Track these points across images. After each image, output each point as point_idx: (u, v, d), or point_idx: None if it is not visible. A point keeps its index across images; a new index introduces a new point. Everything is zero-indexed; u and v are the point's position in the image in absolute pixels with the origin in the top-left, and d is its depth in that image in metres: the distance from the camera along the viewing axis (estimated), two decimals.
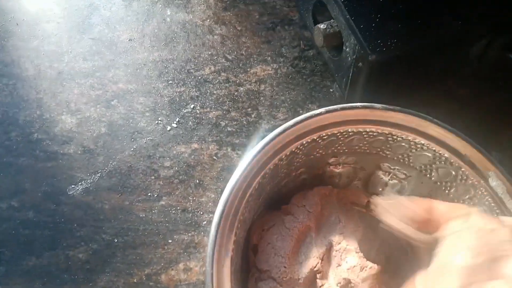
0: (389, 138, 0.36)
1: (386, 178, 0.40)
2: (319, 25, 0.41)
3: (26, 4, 0.48)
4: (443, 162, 0.35)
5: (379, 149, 0.38)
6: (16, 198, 0.39)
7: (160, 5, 0.49)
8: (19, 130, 0.42)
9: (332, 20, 0.40)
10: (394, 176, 0.40)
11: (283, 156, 0.35)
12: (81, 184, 0.40)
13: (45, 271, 0.37)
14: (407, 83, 0.42)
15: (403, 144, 0.36)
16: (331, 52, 0.44)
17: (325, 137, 0.36)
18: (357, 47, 0.37)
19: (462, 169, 0.34)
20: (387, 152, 0.38)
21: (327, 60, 0.45)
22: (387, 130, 0.36)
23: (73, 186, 0.40)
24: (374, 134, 0.36)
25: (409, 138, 0.35)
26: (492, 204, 0.33)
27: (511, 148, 0.45)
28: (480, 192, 0.34)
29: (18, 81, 0.44)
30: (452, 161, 0.34)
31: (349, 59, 0.40)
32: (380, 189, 0.41)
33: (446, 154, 0.35)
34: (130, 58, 0.46)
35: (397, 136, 0.36)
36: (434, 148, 0.35)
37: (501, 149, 0.44)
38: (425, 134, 0.35)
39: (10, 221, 0.39)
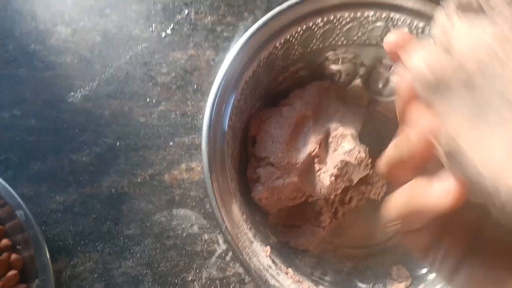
0: (389, 24, 0.35)
1: (387, 73, 0.39)
2: None
3: None
4: None
5: (379, 38, 0.36)
6: (17, 107, 0.40)
7: None
8: (16, 43, 0.42)
9: None
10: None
11: (277, 45, 0.34)
12: (80, 92, 0.40)
13: (50, 174, 0.38)
14: None
15: (404, 29, 0.35)
16: None
17: (321, 25, 0.35)
18: None
19: None
20: None
21: None
22: (385, 13, 0.34)
23: (72, 93, 0.40)
24: (373, 19, 0.35)
25: (408, 21, 0.34)
26: None
27: None
28: None
29: None
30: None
31: None
32: (381, 86, 0.40)
33: None
34: None
35: (397, 20, 0.34)
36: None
37: None
38: (426, 16, 0.33)
39: (14, 129, 0.39)
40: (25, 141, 0.39)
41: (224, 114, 0.31)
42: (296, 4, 0.33)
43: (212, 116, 0.29)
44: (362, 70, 0.40)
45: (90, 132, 0.39)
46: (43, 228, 0.37)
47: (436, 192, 0.17)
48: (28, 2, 0.43)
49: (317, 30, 0.35)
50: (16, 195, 0.35)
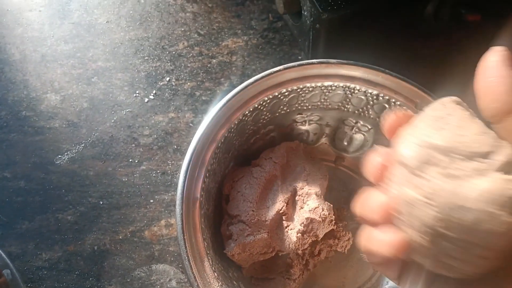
0: (347, 92, 0.39)
1: (350, 132, 0.43)
2: None
3: None
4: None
5: (340, 104, 0.40)
6: (8, 170, 0.43)
7: None
8: (8, 109, 0.45)
9: None
10: (358, 130, 0.42)
11: (247, 112, 0.38)
12: (67, 154, 0.44)
13: (37, 233, 0.41)
14: (365, 41, 0.44)
15: (361, 96, 0.39)
16: (293, 19, 0.46)
17: (286, 93, 0.38)
18: (312, 10, 0.40)
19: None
20: (348, 106, 0.40)
21: (291, 27, 0.48)
22: (342, 83, 0.38)
23: (59, 156, 0.43)
24: (332, 88, 0.39)
25: (364, 89, 0.38)
26: None
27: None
28: None
29: (6, 65, 0.48)
30: (405, 108, 0.37)
31: (308, 22, 0.42)
32: (346, 144, 0.44)
33: (399, 103, 0.37)
34: (107, 38, 0.49)
35: (353, 89, 0.38)
36: (387, 97, 0.37)
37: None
38: (378, 85, 0.38)
39: (4, 190, 0.42)
40: (14, 201, 0.42)
41: (197, 178, 0.34)
42: (262, 78, 0.37)
43: (186, 181, 0.32)
44: (327, 130, 0.43)
45: (75, 192, 0.42)
46: (29, 285, 0.39)
47: (379, 242, 0.21)
48: (21, 72, 0.47)
49: (283, 98, 0.39)
50: (3, 255, 0.37)
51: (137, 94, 0.47)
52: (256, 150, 0.42)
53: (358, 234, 0.24)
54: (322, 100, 0.40)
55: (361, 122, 0.41)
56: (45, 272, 0.40)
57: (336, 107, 0.41)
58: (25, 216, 0.41)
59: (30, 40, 0.49)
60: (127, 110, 0.46)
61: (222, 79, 0.48)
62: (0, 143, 0.44)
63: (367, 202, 0.23)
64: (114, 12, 0.51)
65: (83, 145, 0.44)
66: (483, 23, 0.45)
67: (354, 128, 0.42)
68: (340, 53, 0.43)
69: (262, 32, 0.51)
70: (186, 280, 0.40)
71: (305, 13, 0.42)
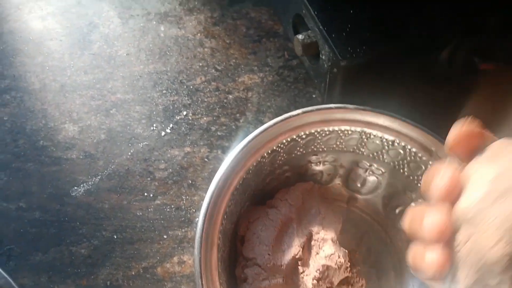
0: (363, 136, 0.39)
1: (364, 175, 0.43)
2: (297, 36, 0.45)
3: (32, 25, 0.53)
4: (413, 157, 0.38)
5: (355, 147, 0.41)
6: (24, 200, 0.43)
7: (155, 22, 0.53)
8: (26, 138, 0.46)
9: (309, 31, 0.44)
10: (371, 173, 0.43)
11: (265, 154, 0.38)
12: (83, 186, 0.44)
13: (50, 266, 0.41)
14: (381, 85, 0.45)
15: (376, 141, 0.39)
16: (310, 60, 0.48)
17: (303, 136, 0.39)
18: (330, 55, 0.41)
19: (431, 163, 0.37)
20: (362, 150, 0.41)
21: (307, 68, 0.49)
22: (359, 128, 0.39)
23: (75, 188, 0.44)
24: (349, 132, 0.39)
25: (380, 135, 0.39)
26: None
27: None
28: None
29: (25, 94, 0.48)
30: (420, 155, 0.38)
31: (325, 65, 0.43)
32: (359, 185, 0.44)
33: (415, 149, 0.38)
34: (127, 70, 0.50)
35: (370, 134, 0.39)
36: (403, 144, 0.38)
37: None
38: (394, 131, 0.38)
39: (19, 220, 0.42)
40: (29, 232, 0.42)
41: (215, 222, 0.34)
42: (281, 121, 0.38)
43: (204, 227, 0.33)
44: (341, 171, 0.44)
45: (90, 225, 0.42)
46: None
47: (428, 261, 0.23)
48: (40, 101, 0.48)
49: (300, 140, 0.40)
50: (16, 287, 0.37)
51: (154, 128, 0.47)
52: (271, 190, 0.42)
53: (407, 250, 0.25)
54: (338, 143, 0.41)
55: (375, 165, 0.42)
56: None
57: (351, 150, 0.41)
58: (39, 247, 0.41)
59: (50, 69, 0.50)
60: (144, 143, 0.46)
61: (238, 115, 0.49)
62: (17, 172, 0.44)
63: (420, 219, 0.24)
64: (134, 45, 0.52)
65: (99, 177, 0.44)
66: (496, 72, 0.46)
67: (368, 170, 0.43)
68: (355, 96, 0.44)
69: (278, 70, 0.52)
70: None
71: (323, 57, 0.43)
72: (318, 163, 0.43)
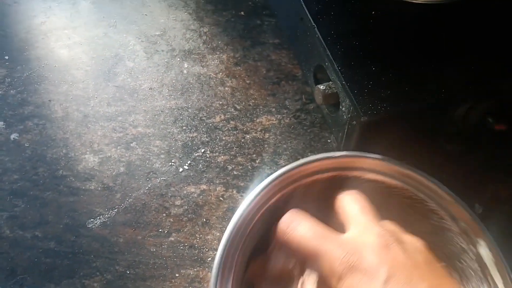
0: (396, 192, 0.40)
1: None
2: (319, 86, 0.46)
3: (58, 52, 0.54)
4: (440, 223, 0.39)
5: (387, 202, 0.41)
6: (39, 229, 0.43)
7: (179, 59, 0.55)
8: (46, 166, 0.47)
9: (330, 82, 0.46)
10: None
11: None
12: (99, 218, 0.44)
13: None
14: (398, 140, 0.46)
15: (408, 200, 0.40)
16: (329, 109, 0.49)
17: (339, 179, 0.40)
18: (351, 108, 0.43)
19: (458, 235, 0.38)
20: (394, 206, 0.41)
21: (325, 115, 0.51)
22: (394, 182, 0.39)
23: (92, 220, 0.44)
24: (383, 185, 0.40)
25: (414, 196, 0.39)
26: (478, 268, 0.37)
27: (491, 201, 0.50)
28: (469, 256, 0.37)
29: (48, 121, 0.49)
30: (448, 223, 0.38)
31: (345, 117, 0.45)
32: None
33: (447, 219, 0.38)
34: (149, 105, 0.51)
35: (404, 191, 0.40)
36: (436, 210, 0.39)
37: (481, 202, 0.49)
38: (430, 195, 0.39)
39: (33, 250, 0.42)
40: (43, 262, 0.42)
41: (229, 270, 0.34)
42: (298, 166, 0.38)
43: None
44: None
45: (104, 259, 0.43)
46: None
47: None
48: (62, 130, 0.49)
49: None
50: None
51: (172, 163, 0.48)
52: None
53: None
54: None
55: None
56: None
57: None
58: (52, 279, 0.41)
59: (74, 98, 0.51)
60: (162, 179, 0.47)
61: (254, 155, 0.50)
62: (34, 201, 0.45)
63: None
64: (158, 80, 0.53)
65: (116, 210, 0.45)
66: (509, 133, 0.48)
67: None
68: (371, 146, 0.45)
69: (295, 112, 0.53)
70: None
71: (343, 109, 0.45)
72: None
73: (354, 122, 0.44)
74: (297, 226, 0.32)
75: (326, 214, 0.43)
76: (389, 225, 0.34)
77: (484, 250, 0.36)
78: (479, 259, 0.37)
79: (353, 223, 0.33)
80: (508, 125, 0.47)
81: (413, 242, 0.32)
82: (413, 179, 0.39)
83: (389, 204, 0.41)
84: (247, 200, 0.37)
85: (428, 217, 0.40)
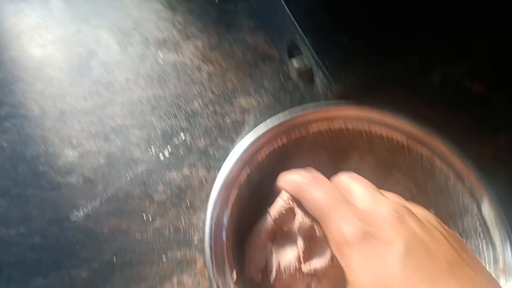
0: (404, 149, 0.40)
1: None
2: (293, 62, 0.46)
3: (32, 52, 0.54)
4: (446, 181, 0.39)
5: (395, 158, 0.41)
6: (23, 225, 0.43)
7: (153, 49, 0.55)
8: (26, 164, 0.46)
9: (303, 56, 0.46)
10: None
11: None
12: (82, 211, 0.44)
13: None
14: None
15: (416, 157, 0.40)
16: (305, 84, 0.49)
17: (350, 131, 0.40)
18: (324, 80, 0.43)
19: (462, 194, 0.38)
20: (401, 162, 0.41)
21: (302, 91, 0.51)
22: (405, 139, 0.39)
23: (75, 212, 0.44)
24: (393, 141, 0.40)
25: (423, 152, 0.39)
26: (479, 226, 0.37)
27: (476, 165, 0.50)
28: (471, 215, 0.37)
29: (25, 120, 0.49)
30: (453, 181, 0.38)
31: (320, 91, 0.45)
32: None
33: (452, 178, 0.38)
34: (126, 96, 0.51)
35: (412, 148, 0.39)
36: (443, 168, 0.39)
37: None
38: (437, 153, 0.39)
39: (19, 246, 0.42)
40: (29, 257, 0.42)
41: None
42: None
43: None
44: None
45: (89, 249, 0.43)
46: None
47: None
48: (40, 127, 0.49)
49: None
50: None
51: (152, 151, 0.48)
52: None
53: None
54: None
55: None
56: None
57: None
58: (39, 272, 0.41)
59: (50, 96, 0.51)
60: (143, 167, 0.47)
61: (235, 137, 0.50)
62: (17, 199, 0.45)
63: None
64: (133, 71, 0.53)
65: (98, 201, 0.45)
66: (488, 94, 0.48)
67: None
68: None
69: (274, 92, 0.53)
70: None
71: (317, 83, 0.45)
72: None
73: (330, 95, 0.44)
74: (317, 184, 0.32)
75: (339, 160, 0.43)
76: (396, 199, 0.32)
77: (486, 209, 0.36)
78: (481, 218, 0.37)
79: (359, 199, 0.31)
80: (486, 86, 0.47)
81: (425, 215, 0.30)
82: (421, 135, 0.39)
83: (395, 161, 0.41)
84: (235, 154, 0.37)
85: (434, 176, 0.40)
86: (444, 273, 0.25)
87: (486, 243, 0.35)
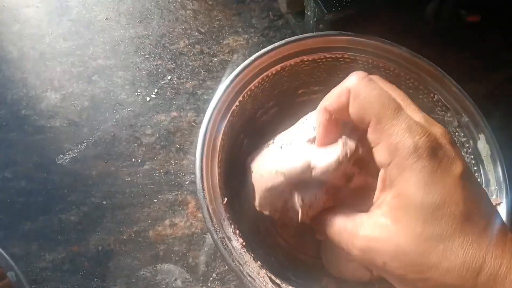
0: (404, 81, 0.38)
1: None
2: None
3: None
4: (443, 116, 0.38)
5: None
6: (9, 170, 0.42)
7: None
8: (7, 108, 0.45)
9: None
10: None
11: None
12: (68, 154, 0.43)
13: (40, 234, 0.40)
14: None
15: (415, 91, 0.38)
16: (295, 18, 0.47)
17: (348, 60, 0.38)
18: (316, 10, 0.40)
19: (458, 129, 0.37)
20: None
21: (293, 26, 0.48)
22: (404, 71, 0.37)
23: (61, 156, 0.43)
24: (390, 72, 0.38)
25: (421, 86, 0.37)
26: (473, 162, 0.36)
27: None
28: (466, 151, 0.37)
29: (3, 63, 0.47)
30: (450, 116, 0.37)
31: (311, 22, 0.42)
32: None
33: (450, 113, 0.37)
34: (107, 36, 0.49)
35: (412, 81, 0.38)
36: (441, 103, 0.37)
37: None
38: (437, 88, 0.37)
39: (5, 190, 0.42)
40: (16, 202, 0.41)
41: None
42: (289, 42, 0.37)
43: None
44: None
45: (78, 192, 0.42)
46: (33, 286, 0.39)
47: None
48: (19, 70, 0.47)
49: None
50: (7, 257, 0.37)
51: (138, 93, 0.46)
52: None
53: None
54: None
55: None
56: (49, 273, 0.39)
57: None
58: (27, 216, 0.41)
59: (28, 37, 0.48)
60: (129, 109, 0.46)
61: (223, 78, 0.48)
62: (0, 143, 0.43)
63: None
64: (114, 9, 0.50)
65: (85, 144, 0.44)
66: (482, 23, 0.46)
67: None
68: None
69: (263, 31, 0.51)
70: (191, 279, 0.40)
71: (309, 13, 0.43)
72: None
73: (321, 25, 0.42)
74: (372, 84, 0.26)
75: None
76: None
77: (482, 144, 0.36)
78: (476, 153, 0.36)
79: (412, 111, 0.26)
80: (480, 15, 0.45)
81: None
82: (423, 69, 0.37)
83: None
84: (245, 63, 0.35)
85: (431, 110, 0.38)
86: (484, 199, 0.25)
87: (480, 181, 0.35)
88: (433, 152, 0.24)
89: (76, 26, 0.49)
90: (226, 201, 0.32)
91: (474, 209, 0.23)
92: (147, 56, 0.48)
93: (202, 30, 0.50)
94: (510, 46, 0.51)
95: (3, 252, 0.37)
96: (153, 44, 0.49)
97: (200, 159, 0.33)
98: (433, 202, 0.23)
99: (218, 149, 0.33)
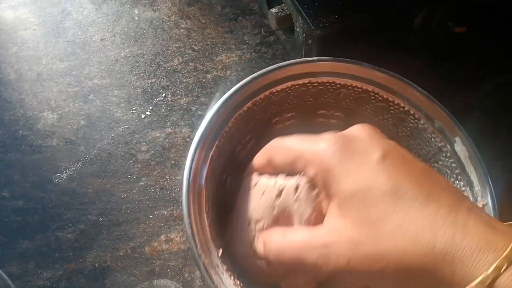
0: (372, 97, 0.39)
1: None
2: (271, 10, 0.45)
3: (3, 15, 0.52)
4: (416, 124, 0.38)
5: (363, 108, 0.40)
6: (6, 189, 0.43)
7: (128, 6, 0.53)
8: (5, 129, 0.46)
9: (282, 4, 0.44)
10: None
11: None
12: (65, 172, 0.44)
13: (37, 252, 0.41)
14: (359, 55, 0.45)
15: (384, 104, 0.39)
16: (285, 34, 0.48)
17: (315, 84, 0.38)
18: (304, 26, 0.41)
19: (433, 135, 0.37)
20: (370, 112, 0.40)
21: (283, 42, 0.49)
22: (370, 87, 0.38)
23: (58, 174, 0.44)
24: (359, 90, 0.39)
25: (390, 98, 0.38)
26: (454, 165, 0.36)
27: (459, 113, 0.49)
28: (444, 155, 0.37)
29: (1, 85, 0.48)
30: (423, 123, 0.38)
31: (300, 37, 0.44)
32: None
33: (422, 120, 0.37)
34: (103, 55, 0.50)
35: (379, 96, 0.38)
36: (411, 112, 0.38)
37: (452, 112, 0.48)
38: (404, 97, 0.38)
39: (3, 210, 0.42)
40: (14, 221, 0.42)
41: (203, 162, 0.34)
42: (255, 78, 0.37)
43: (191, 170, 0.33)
44: None
45: (75, 210, 0.42)
46: None
47: None
48: (17, 91, 0.48)
49: (312, 88, 0.39)
50: (4, 276, 0.37)
51: (133, 111, 0.47)
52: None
53: None
54: (347, 101, 0.40)
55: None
56: None
57: (359, 110, 0.41)
58: (24, 235, 0.41)
59: (25, 59, 0.49)
60: (124, 127, 0.46)
61: (217, 94, 0.49)
62: None
63: None
64: (109, 29, 0.51)
65: (81, 162, 0.44)
66: (469, 35, 0.47)
67: None
68: None
69: (255, 47, 0.52)
70: None
71: (298, 29, 0.44)
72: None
73: (310, 41, 0.43)
74: (286, 140, 0.31)
75: (307, 121, 0.42)
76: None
77: (459, 147, 0.36)
78: (455, 156, 0.36)
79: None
80: (467, 26, 0.46)
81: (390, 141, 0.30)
82: (387, 82, 0.38)
83: (364, 109, 0.40)
84: (217, 105, 0.36)
85: (404, 120, 0.39)
86: (421, 175, 0.25)
87: (464, 184, 0.36)
88: (347, 146, 0.26)
89: (72, 47, 0.50)
90: (222, 253, 0.32)
91: (405, 184, 0.24)
92: (142, 74, 0.49)
93: (196, 48, 0.52)
94: (498, 56, 0.52)
95: (0, 271, 0.37)
96: (148, 63, 0.50)
97: (188, 219, 0.32)
98: (361, 186, 0.24)
99: (203, 202, 0.34)
